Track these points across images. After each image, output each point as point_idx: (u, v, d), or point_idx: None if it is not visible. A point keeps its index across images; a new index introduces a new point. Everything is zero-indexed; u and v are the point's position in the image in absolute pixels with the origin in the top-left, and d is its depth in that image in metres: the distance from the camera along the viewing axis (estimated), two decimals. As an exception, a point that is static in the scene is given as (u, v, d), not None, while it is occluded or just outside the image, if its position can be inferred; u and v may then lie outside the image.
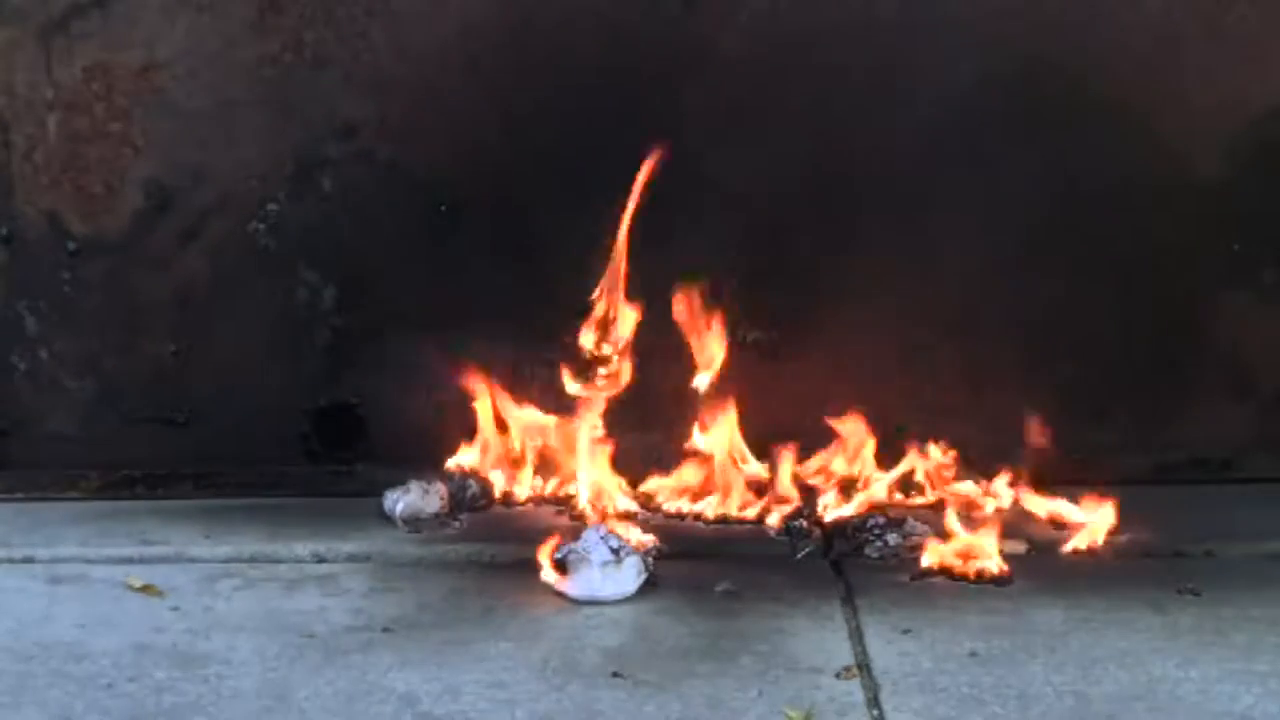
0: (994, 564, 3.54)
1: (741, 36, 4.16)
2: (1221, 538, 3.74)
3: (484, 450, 4.13)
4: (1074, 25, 4.14)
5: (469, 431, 4.15)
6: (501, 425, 4.16)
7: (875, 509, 3.86)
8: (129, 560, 3.70)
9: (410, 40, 4.20)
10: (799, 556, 3.71)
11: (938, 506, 3.96)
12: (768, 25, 4.15)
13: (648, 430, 4.11)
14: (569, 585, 3.43)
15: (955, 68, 4.15)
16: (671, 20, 4.16)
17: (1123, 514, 3.80)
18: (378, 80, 4.21)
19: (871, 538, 3.70)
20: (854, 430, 4.03)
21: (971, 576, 3.53)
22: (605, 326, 4.05)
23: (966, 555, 3.57)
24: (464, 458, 4.13)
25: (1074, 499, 3.87)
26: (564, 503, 4.06)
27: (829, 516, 3.85)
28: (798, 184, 4.17)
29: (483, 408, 4.13)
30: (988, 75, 4.15)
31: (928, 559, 3.58)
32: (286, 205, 4.25)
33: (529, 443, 4.15)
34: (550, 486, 4.13)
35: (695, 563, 3.65)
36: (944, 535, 3.67)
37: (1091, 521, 3.79)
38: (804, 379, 4.11)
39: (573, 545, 3.45)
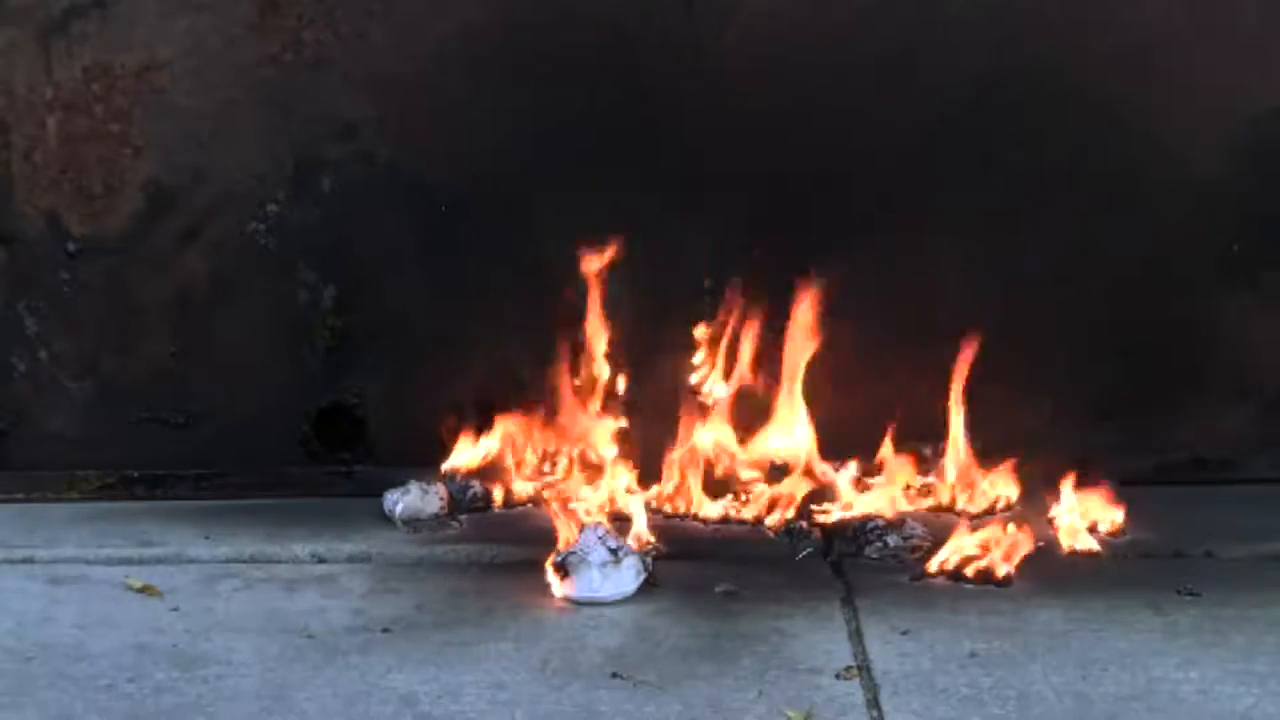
0: (995, 565, 3.54)
1: (741, 36, 4.16)
2: (1221, 538, 3.74)
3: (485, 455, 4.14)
4: (1075, 25, 4.14)
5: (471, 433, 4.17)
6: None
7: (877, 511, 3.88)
8: (129, 561, 3.71)
9: (410, 40, 4.20)
10: (799, 557, 3.71)
11: (938, 507, 3.99)
12: (767, 25, 4.15)
13: (649, 430, 4.12)
14: (568, 586, 3.43)
15: (955, 67, 4.15)
16: (672, 19, 4.16)
17: (1123, 514, 3.81)
18: (378, 80, 4.21)
19: (871, 539, 3.71)
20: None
21: (971, 577, 3.53)
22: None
23: (970, 557, 3.57)
24: (461, 459, 4.13)
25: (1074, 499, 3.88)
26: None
27: (829, 518, 3.86)
28: (797, 183, 4.17)
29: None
30: (988, 75, 4.15)
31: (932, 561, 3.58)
32: (286, 205, 4.25)
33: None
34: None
35: (695, 563, 3.65)
36: (944, 537, 3.67)
37: (1091, 521, 3.80)
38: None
39: (572, 547, 3.46)
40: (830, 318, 4.06)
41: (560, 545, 3.51)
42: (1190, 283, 4.22)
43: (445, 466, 4.11)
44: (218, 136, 4.23)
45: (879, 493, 3.96)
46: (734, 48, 4.17)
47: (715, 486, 4.02)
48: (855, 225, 4.16)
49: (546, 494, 4.03)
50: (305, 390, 4.29)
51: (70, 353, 4.30)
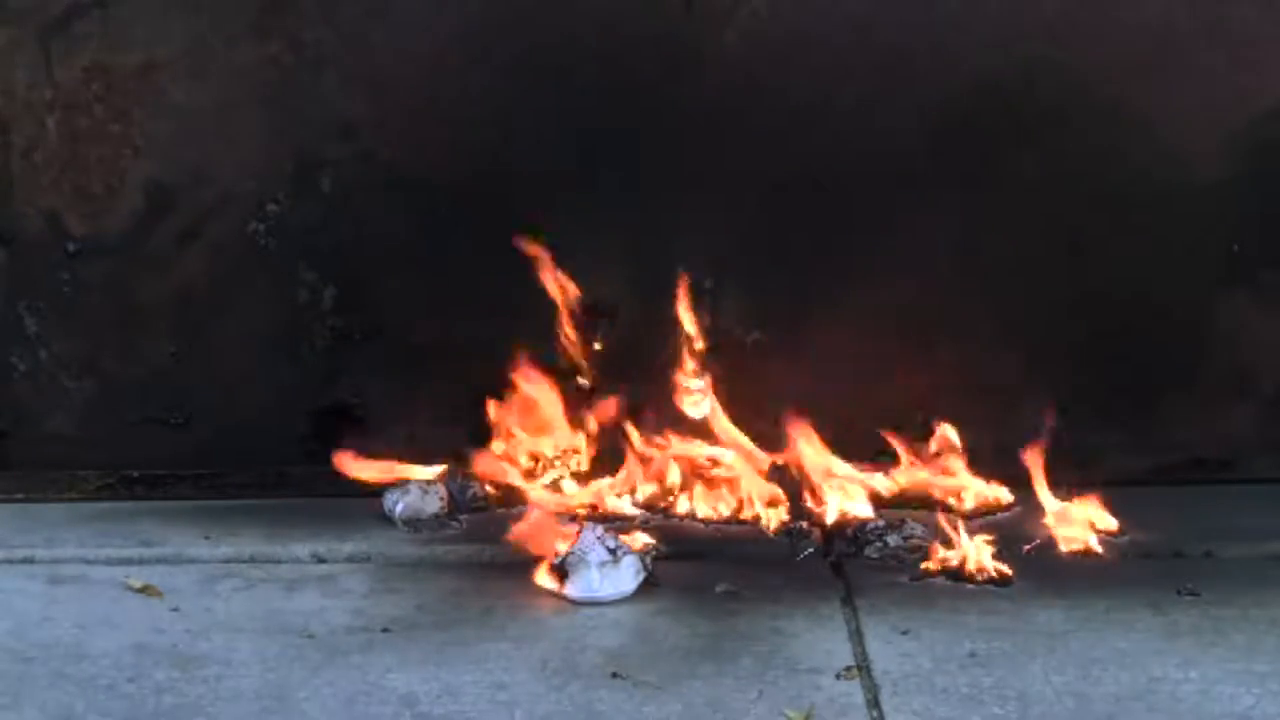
0: (994, 564, 3.54)
1: (741, 36, 4.16)
2: (1221, 538, 3.74)
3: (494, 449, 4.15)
4: (1074, 26, 4.14)
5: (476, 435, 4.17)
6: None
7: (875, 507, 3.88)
8: (129, 561, 3.71)
9: (410, 40, 4.20)
10: (799, 557, 3.71)
11: (935, 506, 3.99)
12: (767, 25, 4.15)
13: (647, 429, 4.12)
14: (567, 586, 3.43)
15: (955, 68, 4.15)
16: (671, 19, 4.16)
17: (1123, 514, 3.81)
18: (378, 80, 4.21)
19: (871, 539, 3.71)
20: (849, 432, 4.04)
21: (971, 576, 3.53)
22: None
23: (966, 556, 3.57)
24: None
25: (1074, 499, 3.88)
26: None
27: (828, 518, 3.86)
28: (797, 184, 4.17)
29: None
30: (987, 76, 4.15)
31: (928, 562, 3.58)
32: (286, 205, 4.25)
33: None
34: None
35: (695, 563, 3.65)
36: (943, 536, 3.67)
37: (1090, 521, 3.81)
38: (800, 378, 4.11)
39: (571, 548, 3.46)
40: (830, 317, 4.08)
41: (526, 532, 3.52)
42: (1190, 283, 4.22)
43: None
44: (218, 136, 4.23)
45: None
46: (734, 48, 4.17)
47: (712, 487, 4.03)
48: (855, 225, 4.16)
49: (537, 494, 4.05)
50: (305, 390, 4.29)
51: (70, 353, 4.30)
